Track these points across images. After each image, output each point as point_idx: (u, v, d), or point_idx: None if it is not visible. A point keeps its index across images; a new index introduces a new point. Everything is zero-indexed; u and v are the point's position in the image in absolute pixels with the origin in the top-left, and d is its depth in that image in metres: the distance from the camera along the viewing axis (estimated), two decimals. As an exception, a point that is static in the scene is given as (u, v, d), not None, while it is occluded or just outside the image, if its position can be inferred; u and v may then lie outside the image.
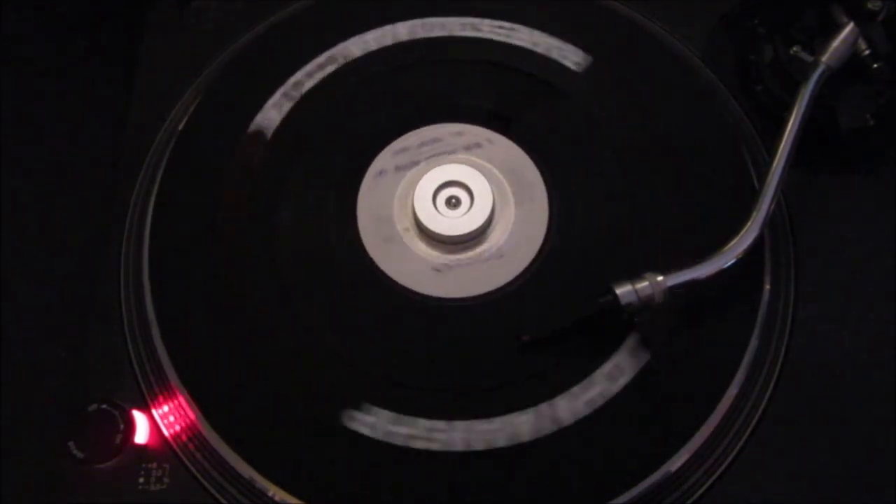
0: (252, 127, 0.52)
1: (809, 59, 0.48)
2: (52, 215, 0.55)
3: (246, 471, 0.44)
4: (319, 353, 0.46)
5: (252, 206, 0.50)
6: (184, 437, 0.45)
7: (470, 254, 0.49)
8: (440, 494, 0.43)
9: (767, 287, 0.48)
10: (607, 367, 0.45)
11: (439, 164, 0.50)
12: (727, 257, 0.44)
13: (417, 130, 0.52)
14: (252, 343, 0.46)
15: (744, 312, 0.47)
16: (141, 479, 0.45)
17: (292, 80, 0.53)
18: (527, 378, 0.45)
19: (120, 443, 0.44)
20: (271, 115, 0.52)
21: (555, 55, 0.54)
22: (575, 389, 0.45)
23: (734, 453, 0.45)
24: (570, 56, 0.54)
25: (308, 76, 0.53)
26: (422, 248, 0.49)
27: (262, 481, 0.44)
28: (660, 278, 0.44)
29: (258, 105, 0.53)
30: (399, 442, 0.44)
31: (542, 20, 0.55)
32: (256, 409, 0.45)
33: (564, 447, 0.44)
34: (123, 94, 0.55)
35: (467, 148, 0.52)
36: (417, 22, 0.55)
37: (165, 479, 0.45)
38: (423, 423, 0.44)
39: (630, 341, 0.46)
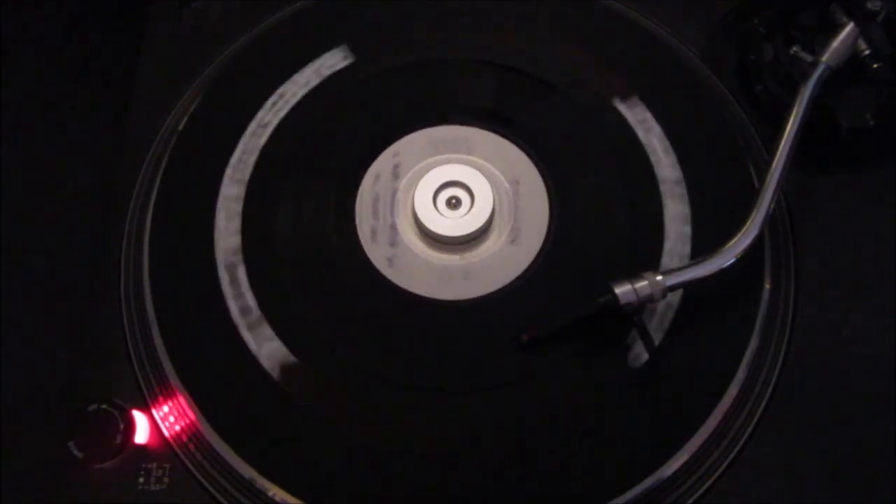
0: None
1: (809, 59, 0.48)
2: (52, 215, 0.55)
3: (246, 471, 0.44)
4: (319, 354, 0.46)
5: (252, 206, 0.50)
6: (184, 437, 0.45)
7: (470, 254, 0.49)
8: (440, 494, 0.43)
9: (767, 287, 0.48)
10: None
11: (440, 165, 0.50)
12: (727, 257, 0.44)
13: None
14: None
15: (744, 312, 0.47)
16: (141, 479, 0.45)
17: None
18: (526, 378, 0.45)
19: (120, 443, 0.44)
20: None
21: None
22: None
23: (734, 453, 0.45)
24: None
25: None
26: (422, 248, 0.49)
27: (262, 481, 0.44)
28: (659, 278, 0.44)
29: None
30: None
31: (542, 20, 0.55)
32: (256, 409, 0.45)
33: (564, 447, 0.44)
34: (123, 94, 0.55)
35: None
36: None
37: (165, 479, 0.45)
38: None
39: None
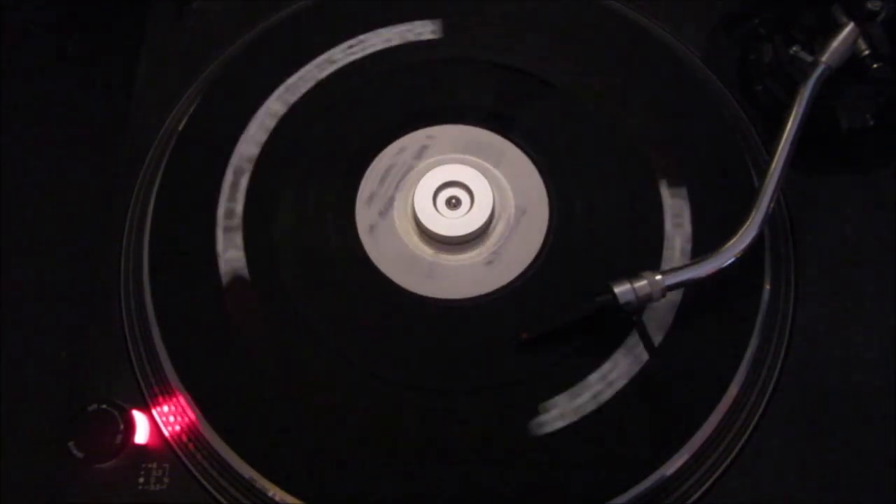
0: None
1: (809, 59, 0.48)
2: (52, 215, 0.55)
3: (246, 471, 0.44)
4: (320, 353, 0.46)
5: (252, 206, 0.50)
6: (184, 437, 0.45)
7: (470, 254, 0.49)
8: (440, 494, 0.43)
9: (767, 287, 0.48)
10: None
11: (440, 165, 0.50)
12: (726, 256, 0.44)
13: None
14: (252, 343, 0.46)
15: (744, 312, 0.47)
16: (141, 479, 0.45)
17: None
18: (526, 377, 0.45)
19: (120, 443, 0.44)
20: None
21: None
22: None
23: (734, 453, 0.45)
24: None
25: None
26: (422, 248, 0.49)
27: (262, 481, 0.44)
28: (658, 277, 0.44)
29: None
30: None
31: (542, 20, 0.55)
32: (256, 408, 0.45)
33: (565, 447, 0.44)
34: (123, 94, 0.55)
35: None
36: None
37: (165, 479, 0.45)
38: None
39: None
